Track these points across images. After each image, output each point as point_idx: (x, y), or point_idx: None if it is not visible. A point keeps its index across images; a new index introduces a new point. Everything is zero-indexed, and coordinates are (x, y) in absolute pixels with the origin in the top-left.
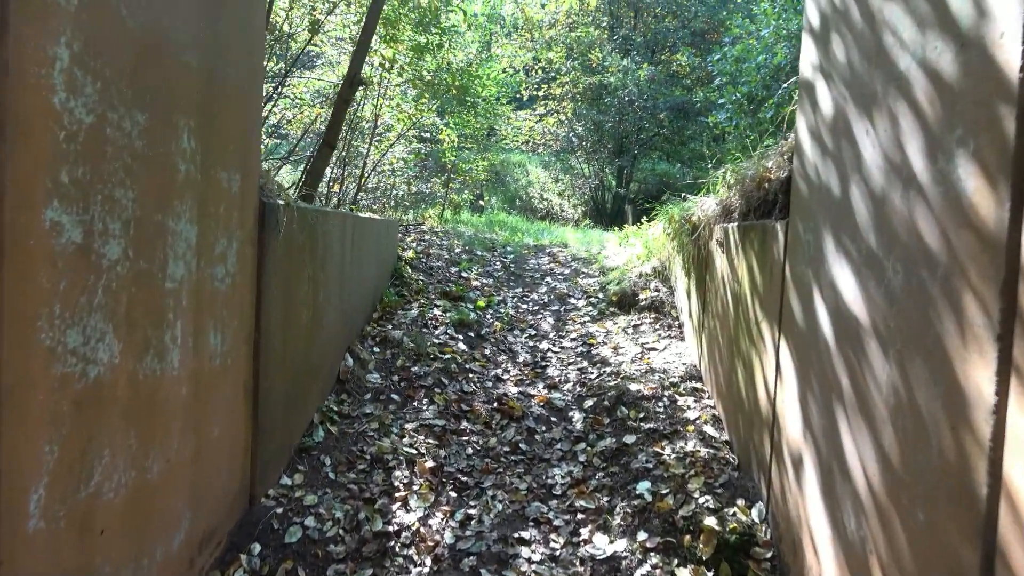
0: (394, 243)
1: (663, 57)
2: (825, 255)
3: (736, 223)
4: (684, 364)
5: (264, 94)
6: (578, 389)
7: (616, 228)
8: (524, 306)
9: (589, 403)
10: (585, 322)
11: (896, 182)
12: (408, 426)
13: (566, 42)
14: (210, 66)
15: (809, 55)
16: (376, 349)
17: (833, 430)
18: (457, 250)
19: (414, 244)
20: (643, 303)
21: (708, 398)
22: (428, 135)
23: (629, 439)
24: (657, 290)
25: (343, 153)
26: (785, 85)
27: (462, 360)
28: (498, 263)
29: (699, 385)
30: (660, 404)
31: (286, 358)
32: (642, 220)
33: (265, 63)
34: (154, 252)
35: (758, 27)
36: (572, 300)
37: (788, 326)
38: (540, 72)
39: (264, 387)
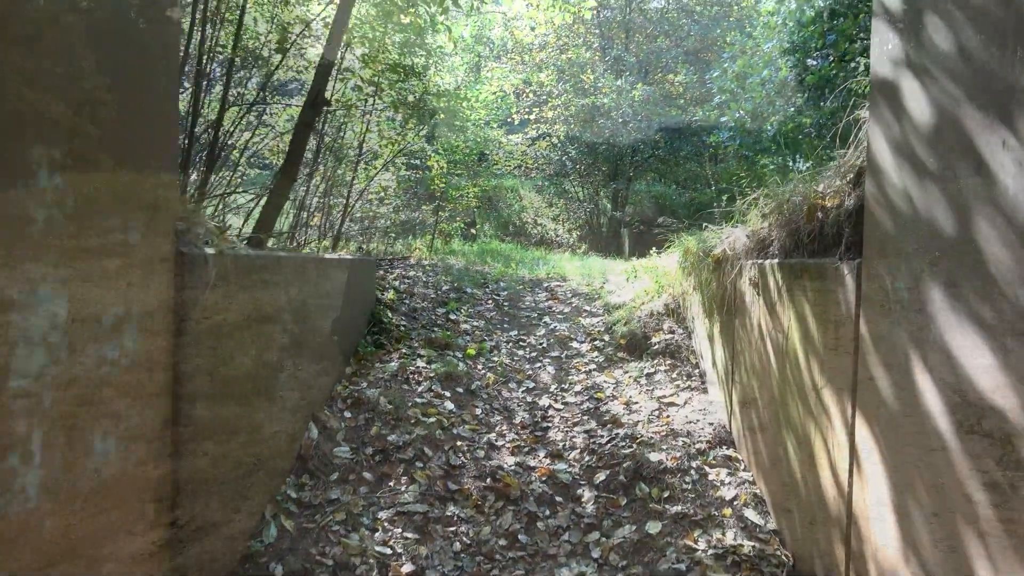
0: (371, 284)
1: (656, 77)
2: (931, 314)
3: (776, 260)
4: (711, 424)
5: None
6: (586, 458)
7: (615, 255)
8: (520, 352)
9: (601, 477)
10: (591, 371)
11: None
12: (382, 515)
13: (557, 64)
14: (82, 66)
15: (887, 47)
16: (347, 414)
17: (962, 565)
18: (445, 288)
19: (396, 283)
20: (656, 347)
21: (745, 470)
22: (417, 162)
23: (653, 527)
24: (672, 331)
25: (328, 182)
26: (853, 91)
27: (449, 424)
28: (490, 301)
29: (732, 452)
30: (687, 479)
31: (223, 446)
32: (651, 249)
33: (185, 54)
34: None
35: (758, 42)
36: (574, 344)
37: (868, 402)
38: (531, 95)
39: (187, 490)
